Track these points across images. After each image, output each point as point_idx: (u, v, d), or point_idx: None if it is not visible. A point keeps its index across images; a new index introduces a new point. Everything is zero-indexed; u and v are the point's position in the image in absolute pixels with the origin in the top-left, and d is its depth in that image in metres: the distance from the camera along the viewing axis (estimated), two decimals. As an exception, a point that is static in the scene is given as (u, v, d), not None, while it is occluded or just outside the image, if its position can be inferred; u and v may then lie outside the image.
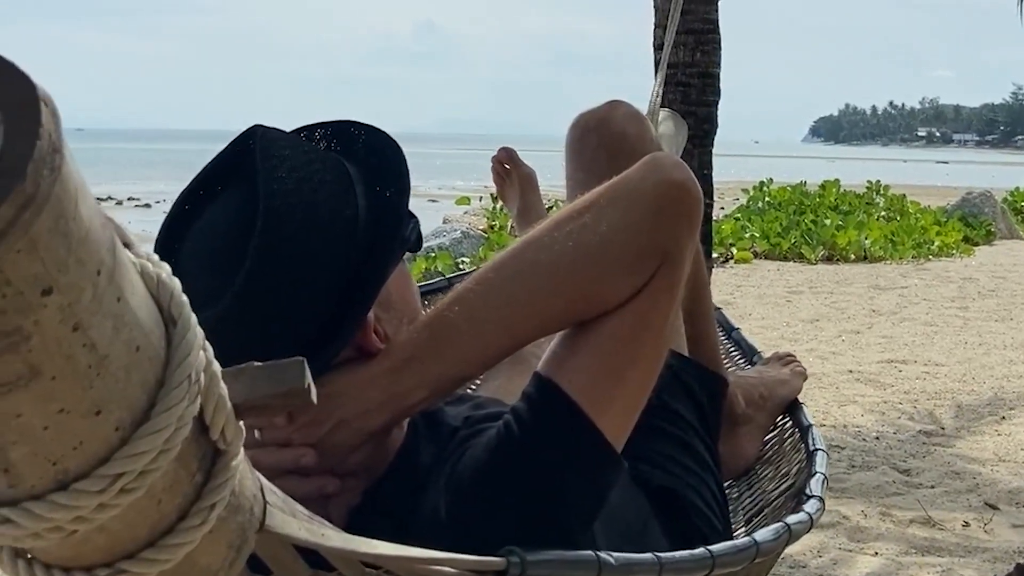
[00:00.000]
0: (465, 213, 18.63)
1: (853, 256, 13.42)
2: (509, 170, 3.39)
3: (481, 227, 14.69)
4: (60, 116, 0.63)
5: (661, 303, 1.52)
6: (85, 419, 0.70)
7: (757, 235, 13.87)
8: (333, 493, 1.48)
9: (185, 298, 0.79)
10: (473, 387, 2.54)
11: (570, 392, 1.46)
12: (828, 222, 14.40)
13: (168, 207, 1.54)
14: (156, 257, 0.80)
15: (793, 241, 13.61)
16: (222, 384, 0.82)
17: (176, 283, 0.79)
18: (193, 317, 0.79)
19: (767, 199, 17.79)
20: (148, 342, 0.74)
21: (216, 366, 0.82)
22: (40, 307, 0.63)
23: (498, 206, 15.37)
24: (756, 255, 13.39)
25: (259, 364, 0.89)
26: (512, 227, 14.07)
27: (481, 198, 18.20)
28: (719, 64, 5.63)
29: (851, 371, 7.23)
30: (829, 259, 13.44)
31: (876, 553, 4.14)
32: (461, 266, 11.06)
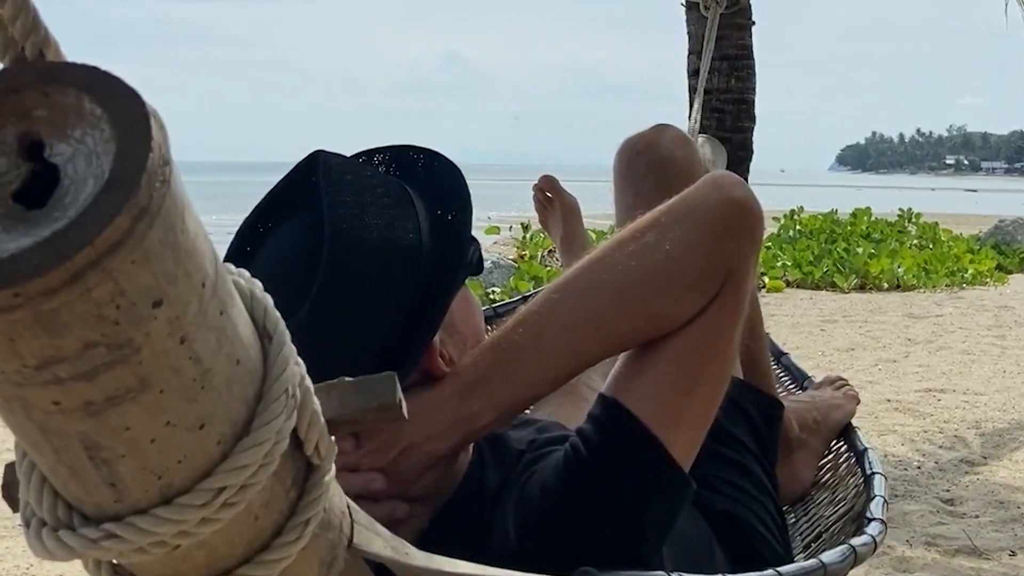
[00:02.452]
0: (495, 243, 18.64)
1: (886, 285, 13.34)
2: (551, 198, 3.39)
3: (511, 256, 14.68)
4: (167, 130, 0.63)
5: (726, 321, 1.51)
6: (190, 432, 0.70)
7: (789, 264, 13.82)
8: (402, 518, 1.47)
9: (278, 313, 0.79)
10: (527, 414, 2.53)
11: (637, 413, 1.45)
12: (860, 250, 14.32)
13: None
14: (247, 273, 0.80)
15: (825, 270, 13.54)
16: (315, 399, 0.82)
17: (268, 298, 0.79)
18: (287, 332, 0.79)
19: (798, 227, 17.73)
20: (247, 356, 0.74)
21: (309, 381, 0.82)
22: (151, 319, 0.63)
23: (527, 235, 15.36)
24: (788, 284, 13.33)
25: (350, 379, 0.89)
26: (550, 256, 14.12)
27: (511, 227, 18.18)
28: (754, 90, 5.65)
29: (889, 400, 7.18)
30: (862, 288, 13.37)
31: (923, 583, 4.10)
32: (491, 295, 11.03)
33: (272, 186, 1.53)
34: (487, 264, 13.23)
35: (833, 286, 13.29)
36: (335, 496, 0.91)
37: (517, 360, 1.49)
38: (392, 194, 1.51)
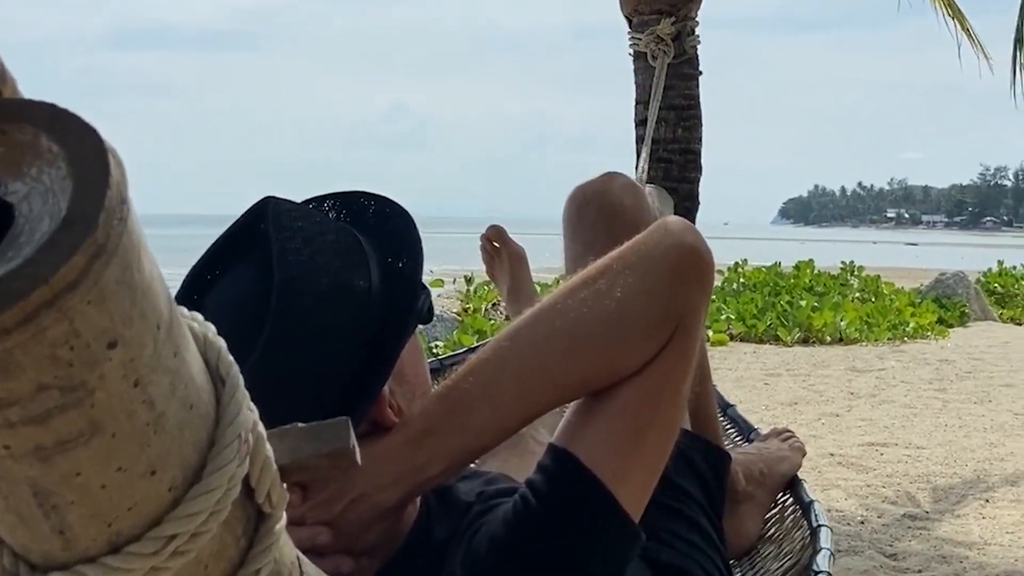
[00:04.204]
0: (439, 296, 18.59)
1: (829, 338, 13.41)
2: (498, 248, 3.37)
3: (455, 310, 14.64)
4: (125, 168, 0.62)
5: (677, 369, 1.50)
6: (141, 479, 0.68)
7: (733, 317, 13.85)
8: (348, 573, 1.45)
9: (231, 358, 0.78)
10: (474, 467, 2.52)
11: (587, 462, 1.45)
12: (804, 303, 14.40)
13: None
14: (200, 316, 0.79)
15: (769, 323, 13.59)
16: (268, 445, 0.81)
17: (222, 342, 0.78)
18: (240, 376, 0.78)
19: (742, 280, 17.83)
20: (200, 400, 0.73)
21: (261, 427, 0.80)
22: (105, 361, 0.62)
23: (471, 288, 15.33)
24: (732, 337, 13.36)
25: (303, 425, 0.88)
26: (493, 309, 14.09)
27: (455, 280, 18.15)
28: (700, 140, 5.68)
29: (832, 454, 7.20)
30: (805, 341, 13.43)
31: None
32: (435, 349, 10.97)
33: (221, 232, 1.51)
34: (431, 317, 13.15)
35: (776, 339, 13.34)
36: (285, 546, 0.90)
37: (467, 409, 1.48)
38: (343, 241, 1.50)
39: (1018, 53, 11.88)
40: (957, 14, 9.95)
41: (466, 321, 12.75)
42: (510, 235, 3.43)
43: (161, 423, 0.67)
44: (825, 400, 9.39)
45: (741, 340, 13.40)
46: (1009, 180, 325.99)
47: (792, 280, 17.84)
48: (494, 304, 14.43)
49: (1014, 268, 19.83)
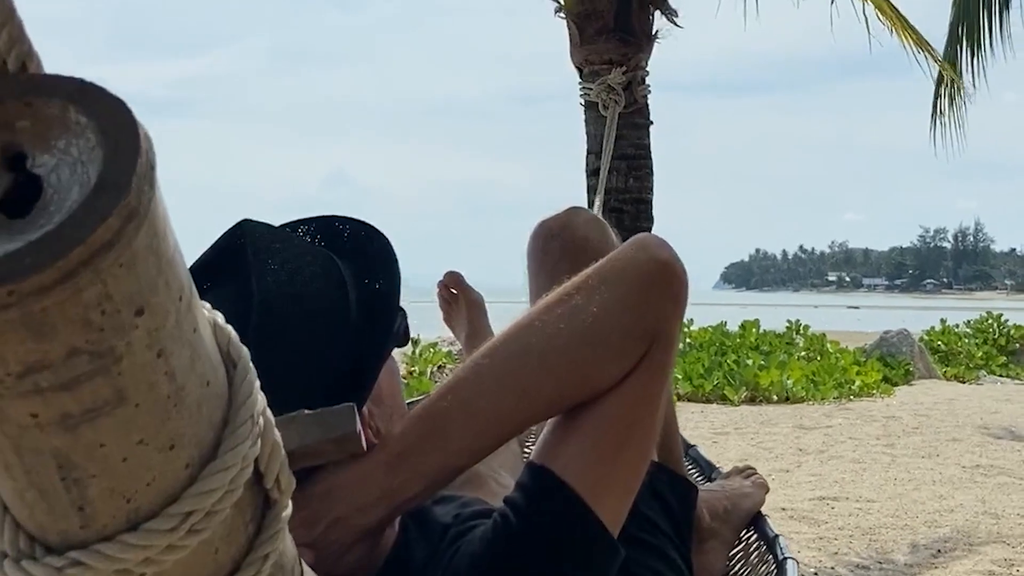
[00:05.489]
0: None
1: (776, 397, 13.48)
2: (456, 295, 3.36)
3: (400, 373, 14.56)
4: (151, 138, 0.64)
5: (652, 384, 1.51)
6: (160, 453, 0.69)
7: (680, 376, 13.88)
8: None
9: (240, 343, 0.80)
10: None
11: (566, 478, 1.45)
12: (751, 362, 14.49)
13: None
14: (207, 303, 0.80)
15: (716, 382, 13.65)
16: (276, 431, 0.82)
17: (231, 328, 0.79)
18: (250, 360, 0.79)
19: (688, 340, 17.88)
20: (216, 378, 0.74)
21: (269, 412, 0.82)
22: (132, 328, 0.63)
23: (417, 351, 15.30)
24: (680, 397, 13.38)
25: (310, 412, 0.89)
26: (439, 371, 14.06)
27: (399, 344, 18.06)
28: (652, 190, 5.73)
29: (784, 508, 7.23)
30: (752, 400, 13.49)
31: None
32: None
33: (198, 256, 1.51)
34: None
35: (724, 399, 13.40)
36: (289, 541, 0.91)
37: (445, 429, 1.48)
38: (320, 263, 1.51)
39: (937, 101, 12.07)
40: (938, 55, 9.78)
41: (411, 384, 12.72)
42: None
43: (181, 397, 0.69)
44: (774, 456, 9.43)
45: (688, 400, 13.44)
46: (949, 242, 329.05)
47: (738, 340, 17.92)
48: (440, 367, 14.42)
49: (956, 327, 20.02)
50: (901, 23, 7.59)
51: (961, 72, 11.79)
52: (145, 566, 0.72)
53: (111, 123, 0.62)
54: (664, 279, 1.52)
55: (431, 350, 14.89)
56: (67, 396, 0.63)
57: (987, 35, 11.76)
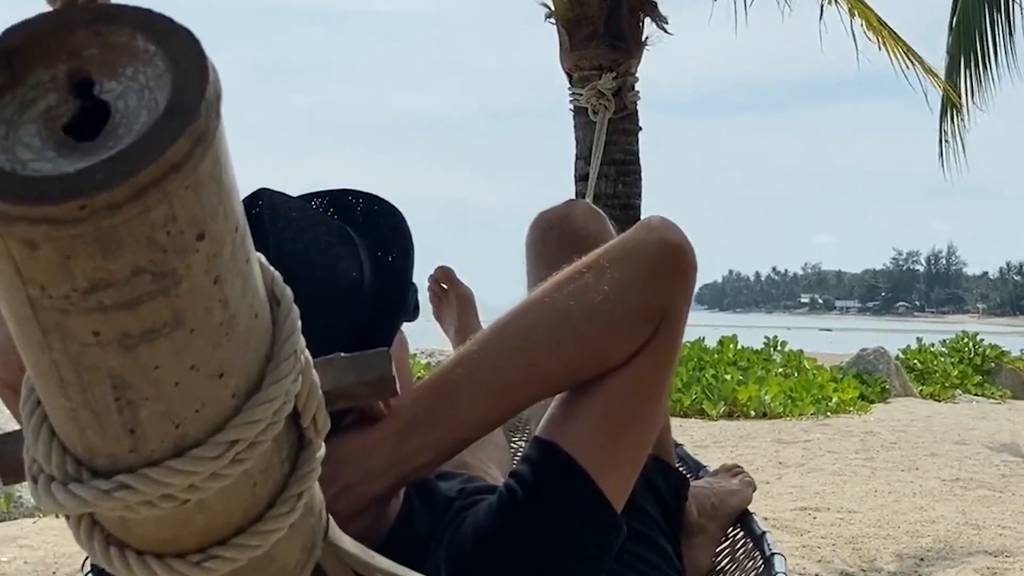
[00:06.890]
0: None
1: (754, 412, 13.49)
2: (446, 289, 3.35)
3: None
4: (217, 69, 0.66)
5: (660, 364, 1.53)
6: (210, 380, 0.71)
7: (659, 391, 13.85)
8: None
9: (285, 284, 0.82)
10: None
11: (572, 453, 1.47)
12: (729, 377, 14.50)
13: None
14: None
15: (695, 397, 13.66)
16: (314, 371, 0.84)
17: (275, 270, 0.81)
18: (293, 299, 0.81)
19: (666, 357, 17.82)
20: (264, 312, 0.76)
21: (308, 353, 0.83)
22: (193, 252, 0.65)
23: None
24: (659, 411, 13.37)
25: (346, 355, 0.91)
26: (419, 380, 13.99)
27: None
28: (640, 195, 5.73)
29: (766, 518, 7.22)
30: (730, 415, 13.50)
31: None
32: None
33: None
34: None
35: (702, 413, 13.40)
36: (317, 487, 0.93)
37: (454, 400, 1.50)
38: (335, 233, 1.52)
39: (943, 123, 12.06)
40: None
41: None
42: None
43: (232, 326, 0.70)
44: (754, 469, 9.42)
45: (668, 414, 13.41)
46: (921, 265, 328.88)
47: (716, 355, 17.93)
48: (418, 378, 14.37)
49: (932, 346, 20.07)
50: (891, 36, 7.61)
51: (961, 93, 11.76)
52: (190, 492, 0.74)
53: (180, 51, 0.64)
54: (674, 260, 1.54)
55: (411, 361, 14.87)
56: (128, 315, 0.64)
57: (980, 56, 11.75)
